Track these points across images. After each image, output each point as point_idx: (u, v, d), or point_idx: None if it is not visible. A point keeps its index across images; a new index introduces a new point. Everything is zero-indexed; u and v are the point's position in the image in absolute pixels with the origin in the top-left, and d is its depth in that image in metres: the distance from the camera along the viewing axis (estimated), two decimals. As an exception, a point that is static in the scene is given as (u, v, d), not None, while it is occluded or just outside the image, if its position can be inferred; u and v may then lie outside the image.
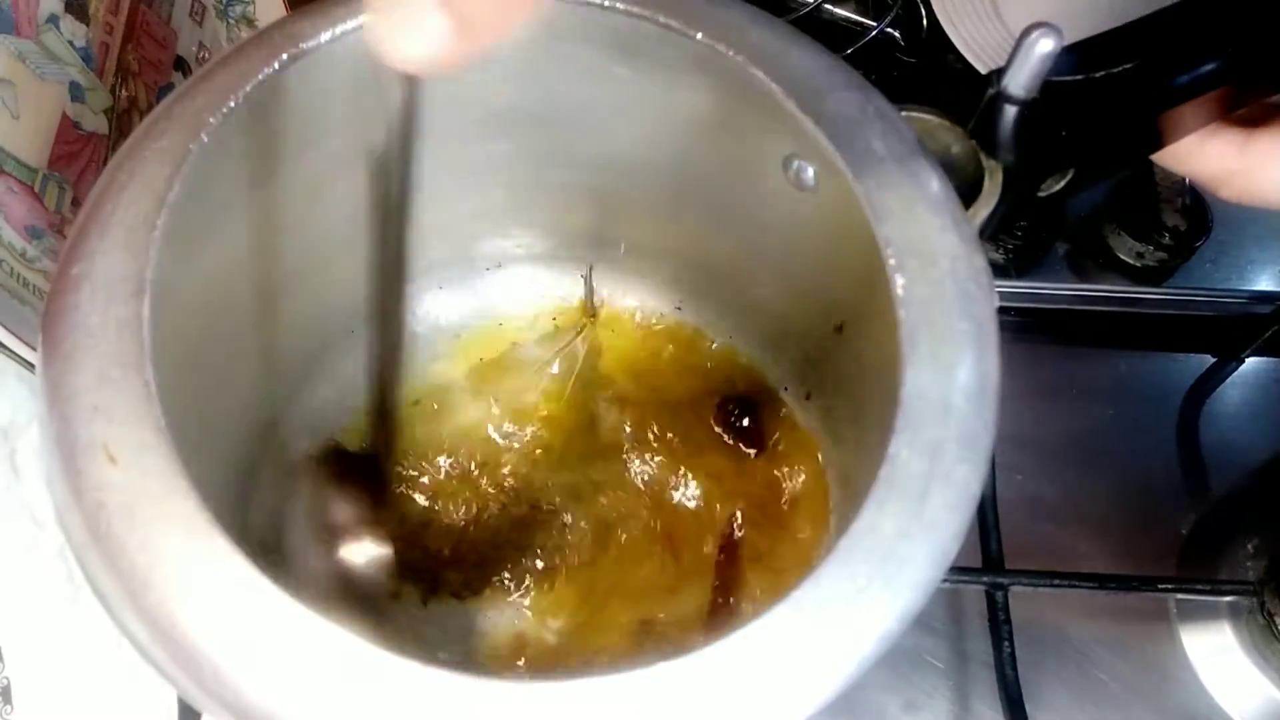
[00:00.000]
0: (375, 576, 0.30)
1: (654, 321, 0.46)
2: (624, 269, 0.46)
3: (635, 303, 0.46)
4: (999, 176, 0.36)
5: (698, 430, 0.43)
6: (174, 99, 0.30)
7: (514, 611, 0.40)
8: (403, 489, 0.42)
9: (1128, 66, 0.34)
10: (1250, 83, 0.36)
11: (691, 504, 0.42)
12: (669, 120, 0.36)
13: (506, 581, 0.40)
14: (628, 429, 0.43)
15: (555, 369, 0.45)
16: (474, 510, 0.42)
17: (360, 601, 0.30)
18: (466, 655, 0.39)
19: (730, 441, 0.43)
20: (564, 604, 0.40)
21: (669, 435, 0.43)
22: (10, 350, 0.33)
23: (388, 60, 0.20)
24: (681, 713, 0.21)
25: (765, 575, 0.40)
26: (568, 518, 0.41)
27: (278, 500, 0.40)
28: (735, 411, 0.43)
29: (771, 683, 0.22)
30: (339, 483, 0.32)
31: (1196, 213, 0.50)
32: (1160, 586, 0.43)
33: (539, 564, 0.40)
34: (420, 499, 0.42)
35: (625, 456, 0.43)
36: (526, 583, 0.40)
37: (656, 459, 0.42)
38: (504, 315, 0.46)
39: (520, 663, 0.39)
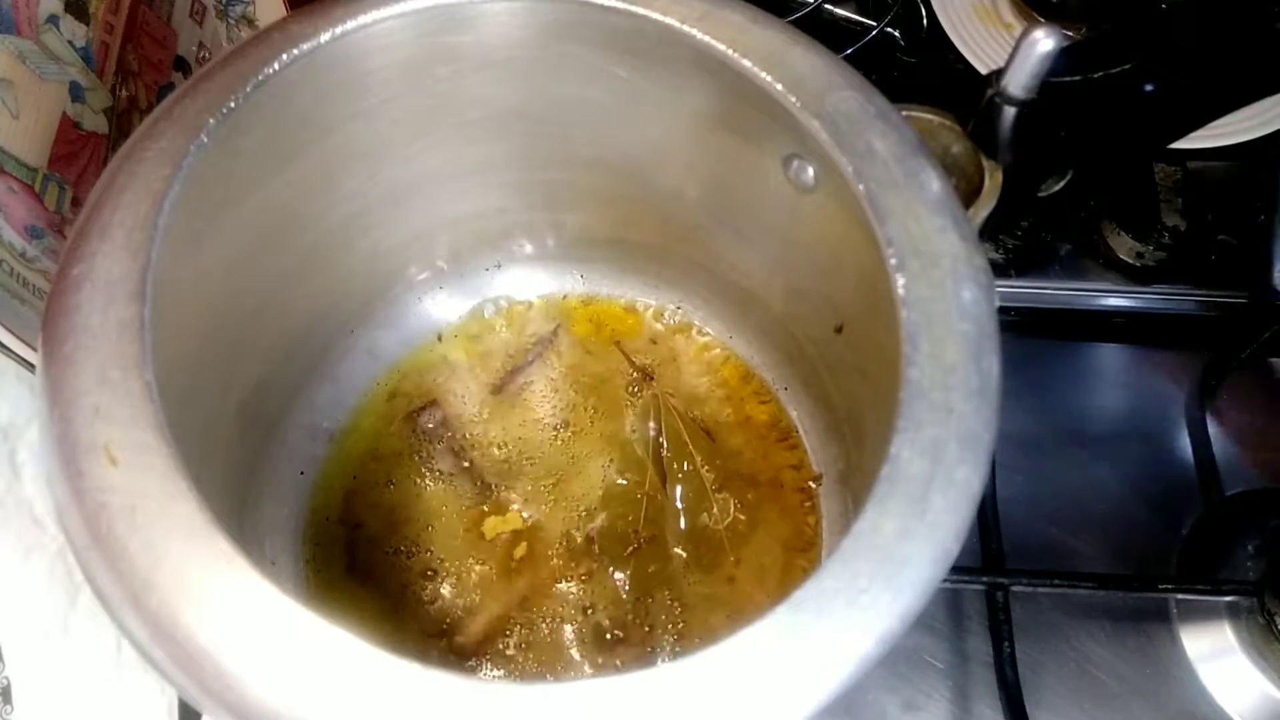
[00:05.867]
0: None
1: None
2: (623, 269, 0.46)
3: (635, 303, 0.46)
4: (999, 176, 0.36)
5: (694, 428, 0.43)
6: (174, 99, 0.30)
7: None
8: (407, 488, 0.42)
9: (1126, 67, 0.34)
10: (1247, 84, 0.36)
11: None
12: (669, 120, 0.36)
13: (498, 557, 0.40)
14: (628, 428, 0.43)
15: (555, 368, 0.45)
16: (469, 508, 0.42)
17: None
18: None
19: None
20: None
21: (667, 437, 0.43)
22: (10, 350, 0.33)
23: None
24: (682, 714, 0.21)
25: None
26: (562, 514, 0.41)
27: (278, 499, 0.40)
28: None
29: (772, 683, 0.22)
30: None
31: (1196, 213, 0.50)
32: (1160, 586, 0.43)
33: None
34: (418, 493, 0.42)
35: (621, 455, 0.43)
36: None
37: (651, 455, 0.43)
38: (504, 315, 0.46)
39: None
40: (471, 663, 0.39)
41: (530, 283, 0.46)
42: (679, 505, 0.42)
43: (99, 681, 0.36)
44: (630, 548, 0.41)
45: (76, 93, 0.37)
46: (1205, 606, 0.43)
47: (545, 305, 0.46)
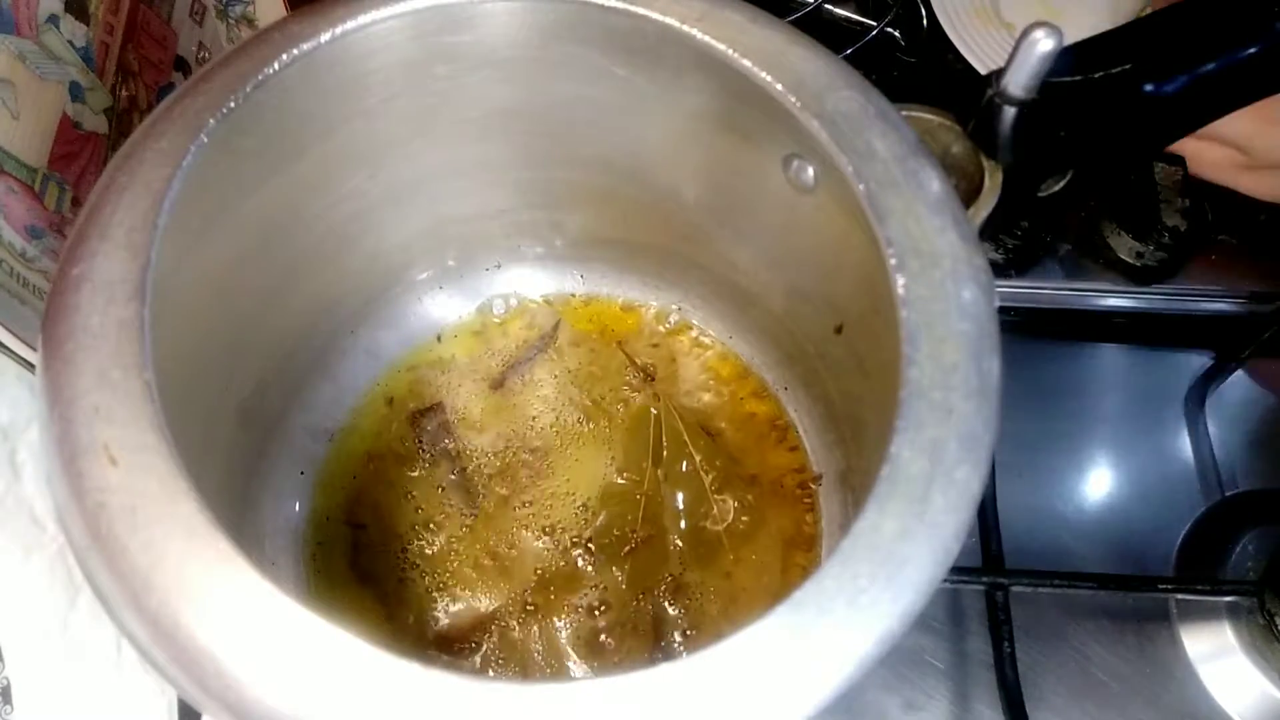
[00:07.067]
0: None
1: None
2: (623, 269, 0.46)
3: (635, 303, 0.46)
4: (999, 176, 0.36)
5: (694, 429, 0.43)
6: (174, 99, 0.30)
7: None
8: (407, 488, 0.42)
9: (1126, 67, 0.34)
10: (1247, 84, 0.36)
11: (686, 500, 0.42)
12: (669, 120, 0.36)
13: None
14: (624, 430, 0.43)
15: (555, 368, 0.45)
16: (469, 508, 0.42)
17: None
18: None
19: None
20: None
21: (666, 437, 0.43)
22: (10, 350, 0.33)
23: None
24: (682, 714, 0.21)
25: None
26: (561, 512, 0.42)
27: (278, 499, 0.40)
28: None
29: (773, 683, 0.22)
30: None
31: (1196, 213, 0.50)
32: (1160, 586, 0.43)
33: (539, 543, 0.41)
34: (418, 492, 0.42)
35: (621, 455, 0.43)
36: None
37: (651, 455, 0.43)
38: (504, 315, 0.46)
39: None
40: (470, 661, 0.39)
41: (531, 282, 0.46)
42: (678, 505, 0.42)
43: (99, 681, 0.36)
44: (628, 547, 0.41)
45: (76, 93, 0.37)
46: (1205, 606, 0.43)
47: (545, 305, 0.46)
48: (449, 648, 0.39)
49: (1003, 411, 0.25)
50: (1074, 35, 0.33)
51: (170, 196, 0.27)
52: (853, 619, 0.22)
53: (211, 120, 0.29)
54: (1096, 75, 0.34)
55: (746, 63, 0.30)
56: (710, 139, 0.35)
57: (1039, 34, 0.31)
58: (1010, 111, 0.34)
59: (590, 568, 0.40)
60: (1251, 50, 0.34)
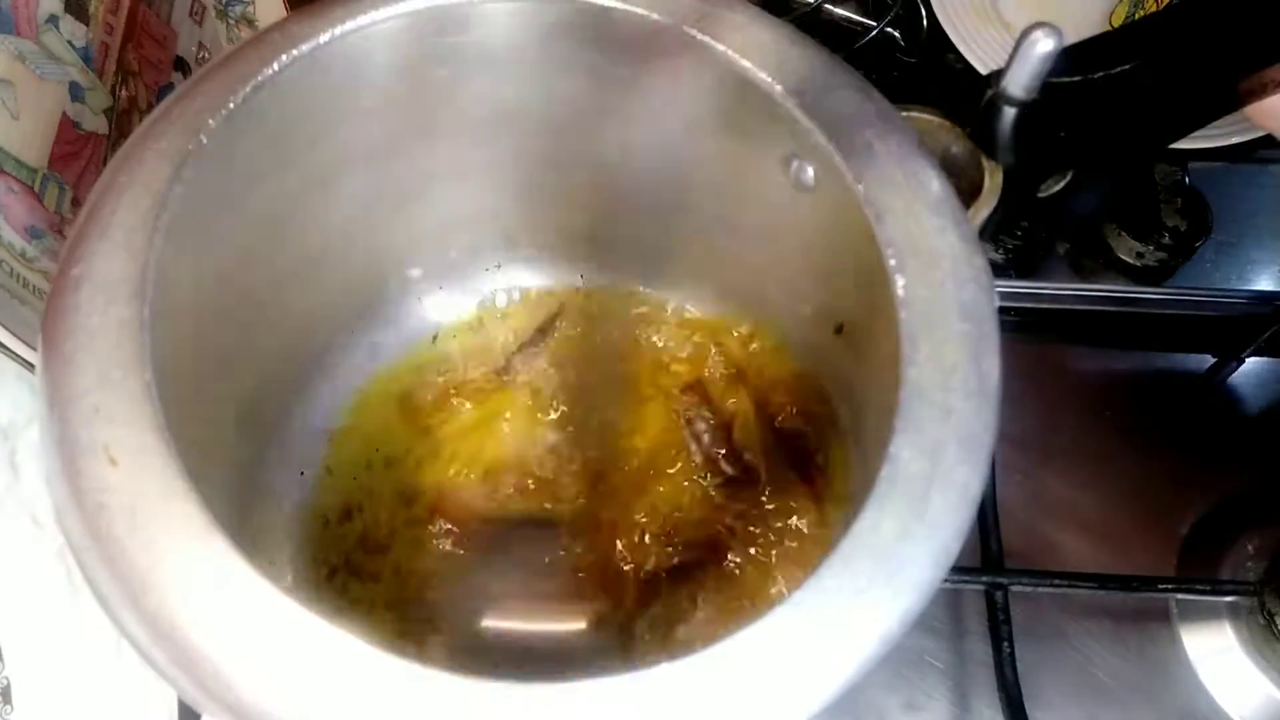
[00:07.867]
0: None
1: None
2: (623, 268, 0.46)
3: (635, 302, 0.46)
4: (999, 176, 0.36)
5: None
6: (174, 99, 0.30)
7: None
8: (408, 487, 0.42)
9: (1126, 67, 0.34)
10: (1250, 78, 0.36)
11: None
12: (669, 120, 0.36)
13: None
14: (622, 429, 0.43)
15: (553, 367, 0.45)
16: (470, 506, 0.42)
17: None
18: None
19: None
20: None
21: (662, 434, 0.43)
22: (10, 350, 0.33)
23: None
24: (683, 714, 0.21)
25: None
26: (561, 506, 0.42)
27: (278, 499, 0.40)
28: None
29: (773, 683, 0.22)
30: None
31: (1196, 213, 0.50)
32: (1160, 586, 0.43)
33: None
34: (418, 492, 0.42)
35: (620, 454, 0.43)
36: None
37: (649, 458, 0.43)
38: (503, 314, 0.46)
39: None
40: (472, 660, 0.39)
41: (530, 282, 0.46)
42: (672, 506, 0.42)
43: (99, 682, 0.36)
44: (627, 539, 0.41)
45: (76, 93, 0.37)
46: (1205, 606, 0.43)
47: (545, 304, 0.46)
48: (449, 647, 0.39)
49: (1002, 411, 0.25)
50: (1074, 35, 0.33)
51: (170, 196, 0.27)
52: (853, 619, 0.22)
53: (211, 120, 0.29)
54: (1096, 75, 0.34)
55: (746, 63, 0.31)
56: (710, 139, 0.35)
57: (1039, 34, 0.31)
58: (1010, 111, 0.34)
59: (593, 559, 0.40)
60: (1254, 48, 0.34)
